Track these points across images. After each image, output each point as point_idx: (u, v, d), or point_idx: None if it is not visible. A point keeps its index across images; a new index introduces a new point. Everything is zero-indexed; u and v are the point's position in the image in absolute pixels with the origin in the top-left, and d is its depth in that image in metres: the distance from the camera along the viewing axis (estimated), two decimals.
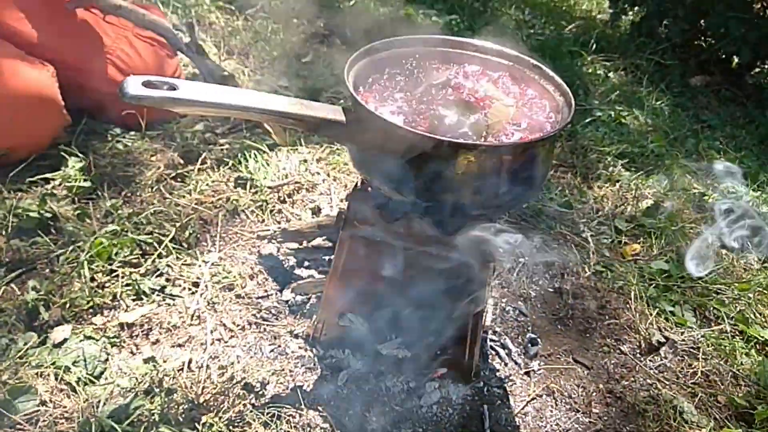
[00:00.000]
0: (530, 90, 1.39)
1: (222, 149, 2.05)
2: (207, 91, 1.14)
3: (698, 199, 2.50)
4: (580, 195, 2.35)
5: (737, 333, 1.76)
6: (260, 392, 1.33)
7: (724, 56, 3.88)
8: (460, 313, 1.40)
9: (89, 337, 1.37)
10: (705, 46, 4.01)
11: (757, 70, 4.10)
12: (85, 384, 1.28)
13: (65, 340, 1.35)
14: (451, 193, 1.20)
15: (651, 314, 1.75)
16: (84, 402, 1.23)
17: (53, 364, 1.29)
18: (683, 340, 1.67)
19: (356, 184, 1.36)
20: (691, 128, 3.27)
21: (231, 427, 1.23)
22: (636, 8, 4.16)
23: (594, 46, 3.90)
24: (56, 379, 1.27)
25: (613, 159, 2.74)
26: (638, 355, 1.64)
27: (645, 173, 2.63)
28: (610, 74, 3.73)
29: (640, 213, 2.20)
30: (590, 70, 3.68)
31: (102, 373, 1.32)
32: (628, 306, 1.77)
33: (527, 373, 1.55)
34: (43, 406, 1.22)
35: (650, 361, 1.63)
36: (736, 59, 3.90)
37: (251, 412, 1.28)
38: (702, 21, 3.91)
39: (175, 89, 1.11)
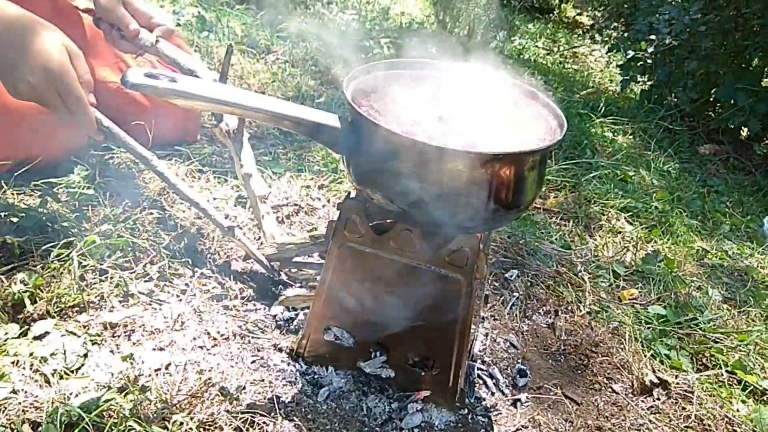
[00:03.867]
0: (526, 112, 1.42)
1: (227, 169, 2.09)
2: (205, 87, 1.18)
3: (701, 256, 2.48)
4: (580, 242, 2.34)
5: (734, 380, 1.70)
6: (236, 397, 1.30)
7: (732, 126, 3.93)
8: (447, 331, 1.38)
9: (71, 333, 1.36)
10: (714, 116, 4.07)
11: (766, 141, 4.13)
12: (61, 376, 1.26)
13: (46, 333, 1.34)
14: (441, 202, 1.21)
15: (645, 355, 1.70)
16: (56, 393, 1.21)
17: (30, 354, 1.28)
18: (677, 383, 1.62)
19: (348, 193, 1.37)
20: (698, 191, 3.28)
21: (202, 429, 1.20)
22: (646, 77, 4.25)
23: (603, 110, 3.98)
24: (31, 369, 1.25)
25: (617, 212, 2.74)
26: (630, 395, 1.59)
27: (647, 228, 2.62)
28: (618, 137, 3.78)
29: (640, 260, 2.18)
30: (598, 132, 3.74)
31: (79, 368, 1.30)
32: (622, 346, 1.73)
33: (514, 404, 1.51)
34: (14, 395, 1.20)
35: (642, 401, 1.58)
36: (745, 130, 3.95)
37: (224, 416, 1.24)
38: (712, 90, 3.98)
39: (174, 81, 1.15)
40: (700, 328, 1.89)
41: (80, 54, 1.38)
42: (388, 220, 1.39)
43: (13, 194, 1.70)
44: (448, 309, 1.36)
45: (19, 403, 1.19)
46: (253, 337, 1.51)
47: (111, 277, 1.52)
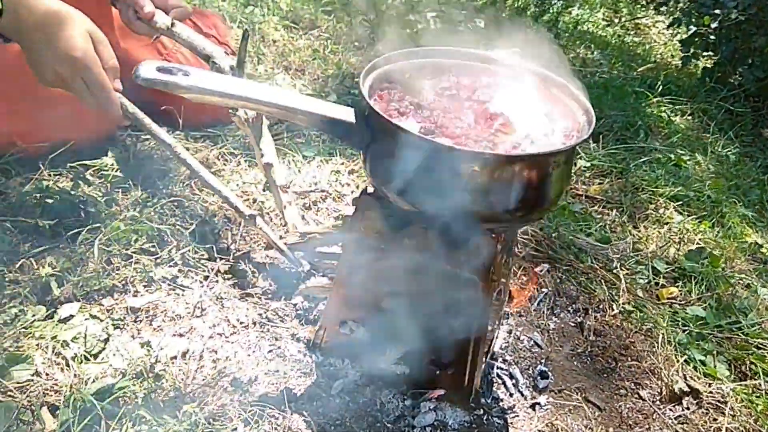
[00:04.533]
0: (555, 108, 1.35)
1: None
2: (217, 81, 1.16)
3: (754, 251, 2.34)
4: (622, 232, 2.25)
5: None
6: (248, 389, 1.32)
7: None
8: (463, 333, 1.35)
9: (94, 317, 1.40)
10: None
11: None
12: (81, 361, 1.30)
13: (71, 316, 1.39)
14: (457, 203, 1.16)
15: (678, 361, 1.63)
16: (75, 377, 1.25)
17: (54, 338, 1.32)
18: (710, 392, 1.55)
19: (365, 188, 1.34)
20: (758, 179, 3.08)
21: (212, 420, 1.22)
22: (709, 53, 4.00)
23: (661, 88, 3.77)
24: (54, 352, 1.30)
25: (666, 201, 2.61)
26: (658, 403, 1.53)
27: (698, 218, 2.50)
28: (676, 117, 3.59)
29: (683, 256, 2.08)
30: (654, 112, 3.56)
31: (99, 352, 1.34)
32: (654, 350, 1.66)
33: (533, 407, 1.47)
34: (37, 377, 1.25)
35: (670, 410, 1.52)
36: None
37: (235, 407, 1.26)
38: None
39: (187, 75, 1.14)
40: (743, 332, 1.79)
41: (105, 40, 1.38)
42: (405, 218, 1.36)
43: (49, 175, 1.75)
44: (465, 310, 1.33)
45: (41, 386, 1.24)
46: (272, 326, 1.52)
47: (136, 262, 1.55)
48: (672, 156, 3.06)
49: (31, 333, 1.33)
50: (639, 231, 2.31)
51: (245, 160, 2.04)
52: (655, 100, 3.64)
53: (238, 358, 1.40)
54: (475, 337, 1.34)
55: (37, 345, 1.31)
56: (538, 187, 1.18)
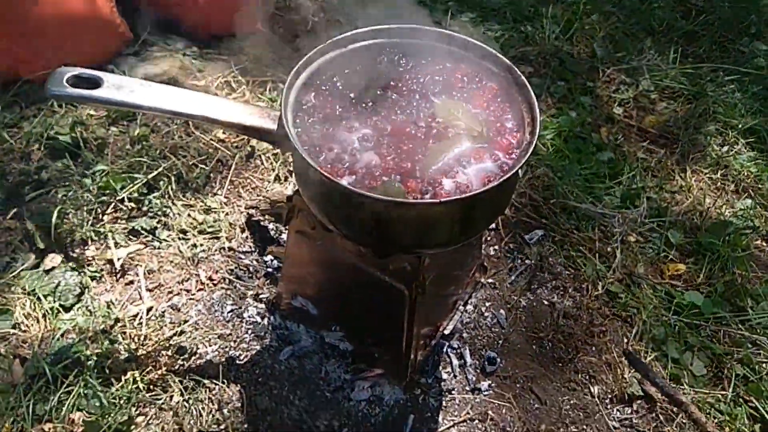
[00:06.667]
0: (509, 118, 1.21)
1: (267, 78, 2.06)
2: (132, 91, 1.14)
3: None
4: (661, 181, 2.03)
5: (744, 402, 1.52)
6: (194, 355, 1.44)
7: None
8: (396, 327, 1.37)
9: (74, 269, 1.55)
10: None
11: None
12: (55, 314, 1.47)
13: (53, 268, 1.54)
14: (372, 237, 1.13)
15: (648, 358, 1.56)
16: (46, 330, 1.43)
17: (32, 291, 1.49)
18: (664, 399, 1.49)
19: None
20: None
21: (151, 386, 1.37)
22: None
23: None
24: (32, 306, 1.47)
25: (736, 135, 2.31)
26: (607, 402, 1.51)
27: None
28: None
29: (707, 227, 1.88)
30: None
31: (72, 306, 1.50)
32: (623, 342, 1.59)
33: (473, 391, 1.50)
34: (14, 329, 1.43)
35: (618, 411, 1.49)
36: None
37: (176, 375, 1.40)
38: None
39: (99, 86, 1.13)
40: (744, 325, 1.66)
41: None
42: None
43: (50, 111, 1.84)
44: (396, 311, 1.34)
45: (17, 338, 1.43)
46: (239, 284, 1.61)
47: (120, 211, 1.66)
48: None
49: (16, 284, 1.50)
50: (684, 177, 2.09)
51: (250, 90, 2.02)
52: None
53: (196, 319, 1.52)
54: (407, 333, 1.36)
55: (20, 296, 1.48)
56: (465, 218, 1.11)
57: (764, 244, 1.95)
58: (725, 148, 2.28)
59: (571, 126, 2.12)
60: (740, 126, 2.34)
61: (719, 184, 2.15)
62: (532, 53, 2.41)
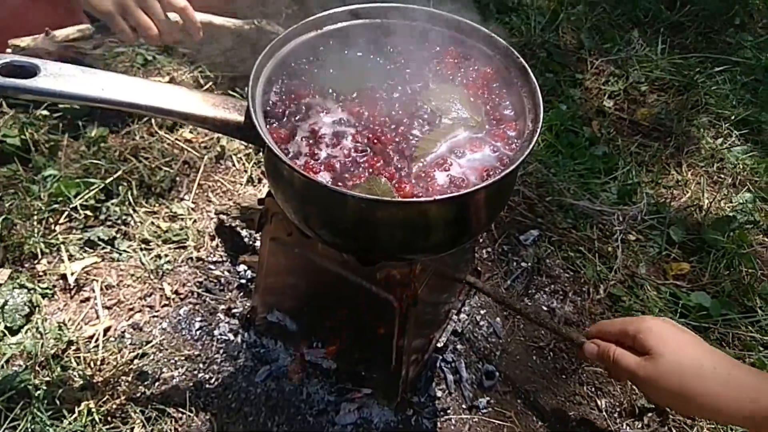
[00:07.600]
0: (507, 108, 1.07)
1: (239, 72, 1.90)
2: (72, 77, 0.98)
3: None
4: (656, 176, 1.93)
5: None
6: (157, 381, 1.29)
7: None
8: (385, 342, 1.23)
9: (22, 286, 1.38)
10: None
11: None
12: (1, 338, 1.30)
13: (0, 285, 1.38)
14: (356, 241, 0.99)
15: None
16: None
17: None
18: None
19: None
20: None
21: (109, 417, 1.21)
22: None
23: None
24: None
25: (729, 127, 2.22)
26: (615, 416, 1.38)
27: (764, 152, 2.12)
28: None
29: (709, 223, 1.77)
30: None
31: (20, 327, 1.33)
32: None
33: (470, 410, 1.36)
34: None
35: (628, 425, 1.37)
36: None
37: (137, 404, 1.24)
38: None
39: (35, 74, 0.97)
40: (755, 326, 1.55)
41: None
42: None
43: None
44: (384, 323, 1.20)
45: None
46: (209, 297, 1.46)
47: (75, 221, 1.50)
48: (763, 59, 2.54)
49: None
50: (680, 172, 1.99)
51: (220, 85, 1.87)
52: None
53: (160, 339, 1.36)
54: (396, 348, 1.22)
55: None
56: (458, 219, 0.97)
57: (766, 239, 1.86)
58: (719, 141, 2.18)
59: (562, 120, 2.01)
60: (733, 117, 2.25)
61: (716, 178, 2.06)
62: (518, 45, 2.30)
